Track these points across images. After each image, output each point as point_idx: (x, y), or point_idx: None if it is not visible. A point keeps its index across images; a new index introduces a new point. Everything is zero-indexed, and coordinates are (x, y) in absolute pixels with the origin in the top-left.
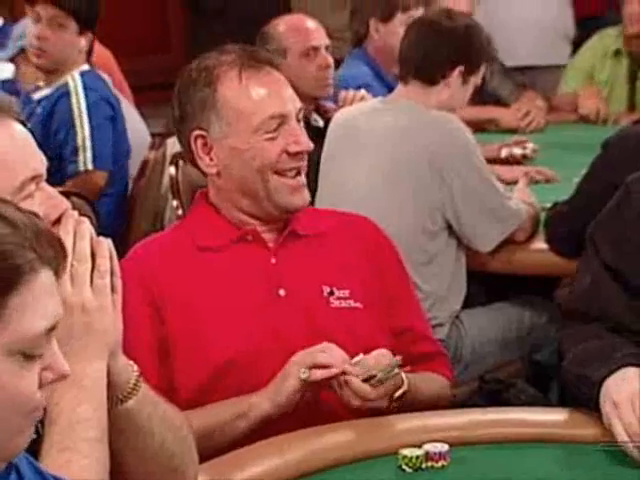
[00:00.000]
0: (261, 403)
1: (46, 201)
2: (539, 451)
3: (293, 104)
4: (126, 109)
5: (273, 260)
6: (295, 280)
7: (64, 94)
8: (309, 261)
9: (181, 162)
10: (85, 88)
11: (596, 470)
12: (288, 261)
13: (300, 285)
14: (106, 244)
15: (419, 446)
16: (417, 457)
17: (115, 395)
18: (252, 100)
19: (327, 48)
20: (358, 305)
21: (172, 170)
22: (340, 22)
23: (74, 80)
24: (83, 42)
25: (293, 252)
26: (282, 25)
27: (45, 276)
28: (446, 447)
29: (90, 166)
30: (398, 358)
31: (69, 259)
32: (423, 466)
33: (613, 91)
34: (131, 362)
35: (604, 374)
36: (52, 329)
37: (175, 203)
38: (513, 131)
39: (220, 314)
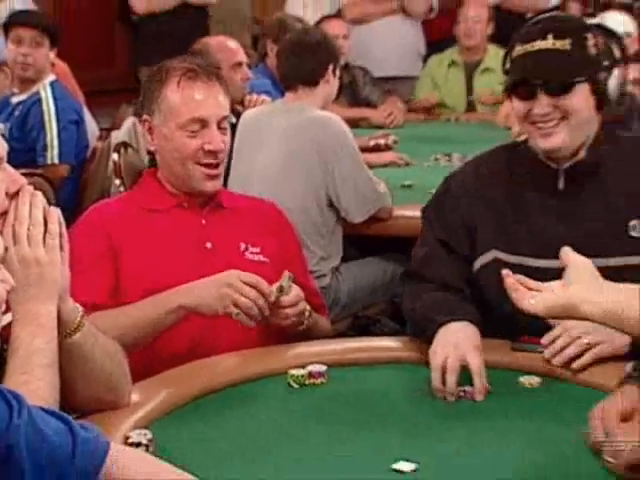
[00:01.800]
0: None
1: (6, 178)
2: (395, 369)
3: (218, 111)
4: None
5: (203, 221)
6: (219, 237)
7: (37, 101)
8: (230, 224)
9: (122, 150)
10: (54, 98)
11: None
12: (215, 223)
13: (223, 241)
14: (56, 213)
15: (303, 367)
16: (302, 375)
17: (65, 330)
18: (182, 102)
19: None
20: (266, 260)
21: (115, 156)
22: (245, 42)
23: (45, 90)
24: (52, 55)
25: (219, 217)
26: (212, 43)
27: None
28: (324, 367)
29: (56, 160)
30: (291, 274)
31: (26, 225)
32: (306, 382)
33: (451, 94)
34: (77, 304)
35: (447, 319)
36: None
37: (118, 182)
38: (380, 127)
39: (161, 260)
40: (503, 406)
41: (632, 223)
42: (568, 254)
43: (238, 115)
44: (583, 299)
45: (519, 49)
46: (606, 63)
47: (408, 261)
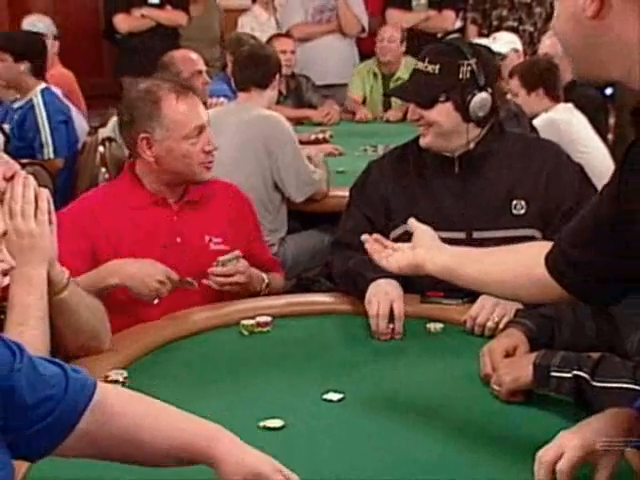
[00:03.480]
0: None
1: (4, 165)
2: (329, 319)
3: (206, 116)
4: (74, 110)
5: (175, 218)
6: (188, 232)
7: (31, 107)
8: (197, 220)
9: (107, 143)
10: (45, 103)
11: (363, 330)
12: (184, 219)
13: (191, 235)
14: (45, 193)
15: (253, 318)
16: (251, 325)
17: (53, 289)
18: (184, 115)
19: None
20: (227, 248)
21: (101, 149)
22: (213, 56)
23: (37, 97)
24: (22, 67)
25: (187, 214)
26: (177, 55)
27: None
28: (269, 318)
29: (52, 156)
30: (237, 252)
31: (20, 202)
32: (255, 331)
33: (372, 97)
34: (64, 268)
35: (375, 276)
36: (4, 234)
37: (104, 170)
38: (319, 124)
39: (137, 253)
40: (414, 346)
41: (514, 202)
42: (414, 223)
43: None
44: (425, 259)
45: (415, 64)
46: (479, 84)
47: None
